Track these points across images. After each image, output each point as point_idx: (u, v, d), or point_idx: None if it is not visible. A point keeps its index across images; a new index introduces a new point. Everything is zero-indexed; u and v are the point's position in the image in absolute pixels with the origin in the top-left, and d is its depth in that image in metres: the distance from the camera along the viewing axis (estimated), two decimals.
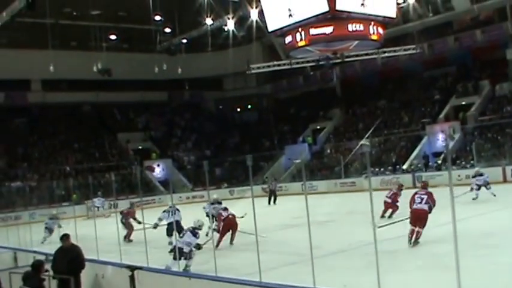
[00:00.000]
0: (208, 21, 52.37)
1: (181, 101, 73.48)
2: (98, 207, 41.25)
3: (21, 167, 56.04)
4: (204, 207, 25.97)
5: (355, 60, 53.36)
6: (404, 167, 48.29)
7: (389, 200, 25.78)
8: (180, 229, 21.52)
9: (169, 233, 22.83)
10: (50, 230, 29.20)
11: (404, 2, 47.80)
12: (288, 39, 39.94)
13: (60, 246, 14.67)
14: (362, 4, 36.25)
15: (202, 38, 57.89)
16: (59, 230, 23.38)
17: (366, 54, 50.18)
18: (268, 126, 67.30)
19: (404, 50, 51.68)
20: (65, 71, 57.86)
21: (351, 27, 37.81)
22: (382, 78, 61.49)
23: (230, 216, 22.34)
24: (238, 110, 76.77)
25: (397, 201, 25.59)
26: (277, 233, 24.39)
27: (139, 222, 24.40)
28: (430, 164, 46.97)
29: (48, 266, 14.01)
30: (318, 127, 63.82)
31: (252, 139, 66.88)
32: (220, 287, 10.88)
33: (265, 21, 39.68)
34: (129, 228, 26.04)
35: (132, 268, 13.16)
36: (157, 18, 54.10)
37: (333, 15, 36.39)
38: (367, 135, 54.63)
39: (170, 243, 21.97)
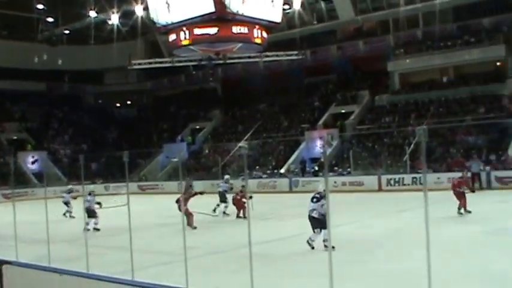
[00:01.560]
0: (92, 13, 51.61)
1: (60, 92, 71.96)
2: None
3: None
4: (219, 185, 30.49)
5: (237, 63, 53.76)
6: (282, 171, 48.70)
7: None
8: (89, 213, 24.52)
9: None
10: (67, 203, 32.06)
11: (290, 8, 48.25)
12: (172, 37, 39.80)
13: None
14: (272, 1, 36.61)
15: (85, 30, 57.03)
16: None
17: (249, 57, 50.45)
18: (147, 123, 67.00)
19: (287, 55, 52.20)
20: None
21: (236, 29, 38.00)
22: (264, 82, 61.80)
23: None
24: (118, 105, 75.91)
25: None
26: (152, 231, 24.19)
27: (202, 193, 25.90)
28: (307, 169, 47.58)
29: None
30: (198, 127, 63.91)
31: (130, 135, 66.31)
32: (92, 285, 10.62)
33: (150, 17, 39.43)
34: (189, 215, 24.06)
35: (0, 262, 12.73)
36: (40, 6, 52.97)
37: (218, 17, 36.46)
38: (246, 138, 54.86)
39: (87, 223, 22.85)
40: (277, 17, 40.12)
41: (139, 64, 54.76)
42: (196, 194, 25.67)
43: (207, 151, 58.86)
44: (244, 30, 38.53)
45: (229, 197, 28.72)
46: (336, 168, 45.13)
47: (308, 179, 44.60)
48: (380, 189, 40.30)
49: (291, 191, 44.49)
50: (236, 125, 60.63)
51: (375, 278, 13.79)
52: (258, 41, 39.97)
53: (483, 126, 43.73)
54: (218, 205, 29.29)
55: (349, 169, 44.62)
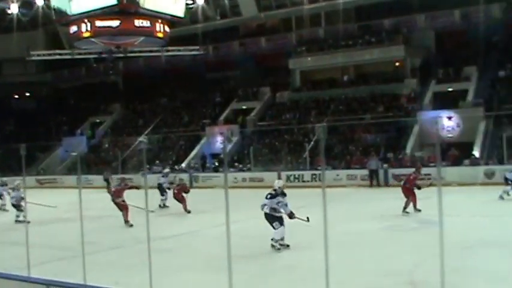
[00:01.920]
0: None
1: None
2: None
3: None
4: (159, 179, 30.93)
5: (138, 56, 53.47)
6: (183, 165, 48.57)
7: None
8: (16, 208, 25.85)
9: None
10: None
11: (193, 3, 48.19)
12: (73, 29, 39.34)
13: None
14: None
15: None
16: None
17: (150, 51, 50.22)
18: (46, 116, 65.84)
19: (189, 50, 52.10)
20: None
21: (138, 22, 37.87)
22: (165, 76, 61.25)
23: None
24: (16, 96, 74.16)
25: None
26: (49, 226, 23.82)
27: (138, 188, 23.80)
28: (207, 164, 47.61)
29: None
30: (98, 120, 63.15)
31: (28, 128, 64.87)
32: None
33: (51, 7, 38.87)
34: (125, 209, 23.52)
35: None
36: None
37: (120, 9, 36.21)
38: (146, 132, 54.60)
39: (17, 215, 25.60)
40: (180, 11, 40.08)
41: (39, 55, 53.84)
42: (132, 187, 25.01)
43: (106, 145, 58.20)
44: (146, 24, 38.41)
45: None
46: (236, 164, 45.21)
47: (208, 175, 44.69)
48: None
49: (191, 187, 44.16)
50: (137, 119, 60.14)
51: (272, 274, 13.92)
52: (160, 35, 39.92)
53: (382, 124, 44.54)
54: (165, 199, 29.88)
55: (249, 165, 44.71)
